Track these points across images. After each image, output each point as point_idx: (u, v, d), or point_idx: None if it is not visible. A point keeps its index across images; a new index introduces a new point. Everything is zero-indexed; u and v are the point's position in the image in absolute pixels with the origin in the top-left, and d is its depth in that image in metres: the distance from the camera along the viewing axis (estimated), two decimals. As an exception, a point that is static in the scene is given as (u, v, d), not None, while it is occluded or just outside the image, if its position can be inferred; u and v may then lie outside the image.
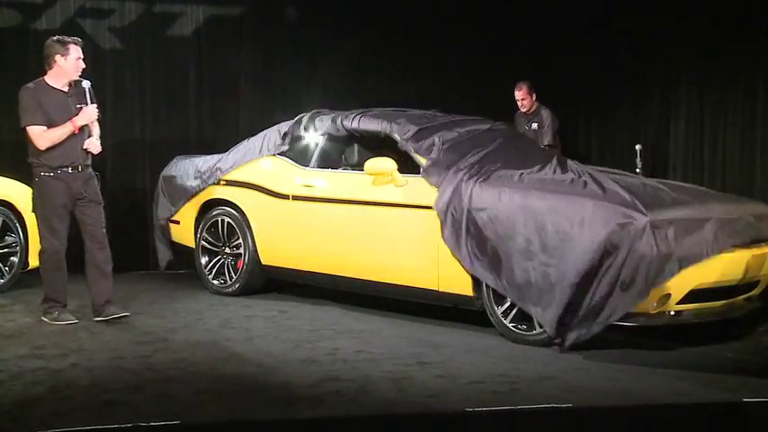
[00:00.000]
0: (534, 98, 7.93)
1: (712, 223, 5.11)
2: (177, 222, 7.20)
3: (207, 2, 8.18)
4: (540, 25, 8.41)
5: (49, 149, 5.58)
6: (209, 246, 6.93)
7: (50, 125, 5.58)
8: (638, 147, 6.60)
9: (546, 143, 7.65)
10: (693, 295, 5.08)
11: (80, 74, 5.69)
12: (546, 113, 7.86)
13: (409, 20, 8.45)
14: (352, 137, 6.55)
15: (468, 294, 5.54)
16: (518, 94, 7.90)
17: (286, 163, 6.60)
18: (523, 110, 7.95)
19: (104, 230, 5.77)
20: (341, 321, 5.97)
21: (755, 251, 5.29)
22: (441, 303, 5.80)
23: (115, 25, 7.98)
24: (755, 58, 6.66)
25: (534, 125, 7.86)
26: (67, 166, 5.62)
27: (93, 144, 5.70)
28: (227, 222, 6.80)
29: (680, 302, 5.07)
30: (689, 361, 5.00)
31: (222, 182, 6.87)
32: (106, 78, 7.90)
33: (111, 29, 7.96)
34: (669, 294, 4.99)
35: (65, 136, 5.58)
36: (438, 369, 4.76)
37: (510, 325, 5.35)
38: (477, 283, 5.47)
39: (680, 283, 4.97)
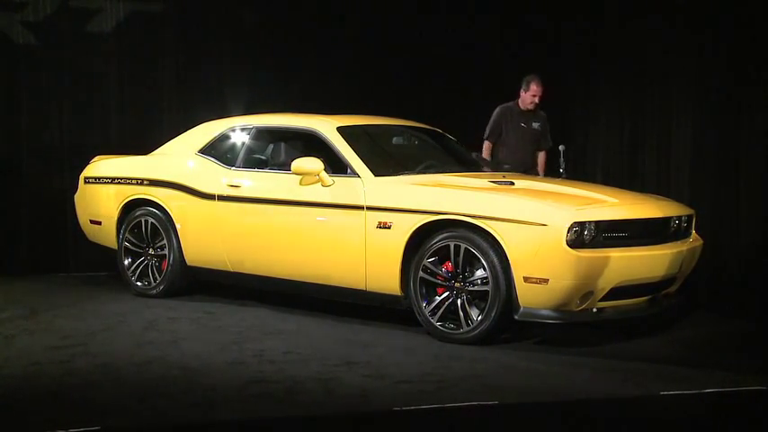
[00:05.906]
0: None
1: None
2: (99, 223, 7.04)
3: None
4: (455, 26, 8.49)
5: None
6: (132, 247, 6.80)
7: None
8: (561, 147, 6.69)
9: (548, 147, 7.06)
10: (616, 292, 5.20)
11: None
12: (544, 114, 7.01)
13: (342, 21, 8.41)
14: (279, 136, 6.50)
15: (395, 294, 5.55)
16: (535, 89, 6.81)
17: (211, 163, 6.50)
18: (530, 107, 6.93)
19: None
20: (267, 322, 5.92)
21: (674, 249, 5.45)
22: (368, 303, 5.80)
23: (29, 19, 7.71)
24: (671, 61, 6.87)
25: (536, 125, 7.01)
26: None
27: None
28: (151, 223, 6.67)
29: (602, 299, 5.18)
30: (610, 356, 5.11)
31: (146, 181, 6.73)
32: (21, 74, 7.64)
33: (24, 23, 7.70)
34: (592, 292, 5.10)
35: None
36: (365, 369, 4.76)
37: (437, 324, 5.38)
38: (404, 282, 5.49)
39: (603, 281, 5.09)
